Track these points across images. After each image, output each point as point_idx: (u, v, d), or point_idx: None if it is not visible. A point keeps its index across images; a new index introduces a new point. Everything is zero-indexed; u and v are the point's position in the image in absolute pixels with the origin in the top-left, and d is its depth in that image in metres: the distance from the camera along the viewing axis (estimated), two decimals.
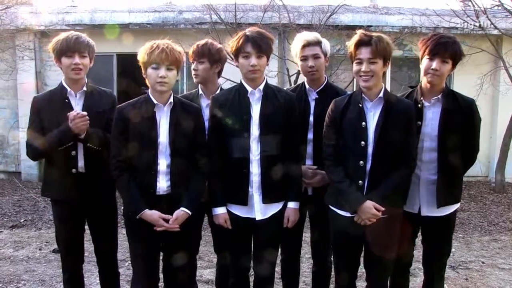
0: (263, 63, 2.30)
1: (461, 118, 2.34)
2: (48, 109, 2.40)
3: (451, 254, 4.16)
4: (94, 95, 2.48)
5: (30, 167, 7.78)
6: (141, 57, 2.21)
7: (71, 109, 2.39)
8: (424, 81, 2.37)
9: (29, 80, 7.63)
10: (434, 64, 2.27)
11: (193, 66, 2.65)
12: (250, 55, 2.26)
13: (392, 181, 2.19)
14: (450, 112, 2.33)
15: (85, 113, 2.31)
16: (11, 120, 7.93)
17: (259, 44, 2.25)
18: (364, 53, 2.15)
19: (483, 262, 4.05)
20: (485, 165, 7.77)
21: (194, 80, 2.68)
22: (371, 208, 2.15)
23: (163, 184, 2.23)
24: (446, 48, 2.26)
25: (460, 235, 4.88)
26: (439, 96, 2.35)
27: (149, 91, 2.27)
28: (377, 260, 2.25)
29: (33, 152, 2.43)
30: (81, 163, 2.41)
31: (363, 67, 2.16)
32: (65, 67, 2.37)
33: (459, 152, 2.39)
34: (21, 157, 7.85)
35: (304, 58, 2.57)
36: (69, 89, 2.42)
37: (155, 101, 2.23)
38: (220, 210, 2.35)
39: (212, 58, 2.63)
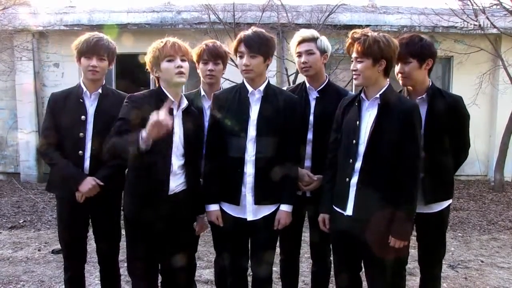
0: (256, 63, 2.27)
1: (448, 115, 2.36)
2: (63, 108, 2.45)
3: (450, 253, 4.20)
4: (109, 97, 2.50)
5: (29, 168, 7.77)
6: (152, 54, 2.19)
7: (85, 109, 2.44)
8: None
9: (28, 81, 7.62)
10: (398, 68, 2.35)
11: (208, 67, 2.61)
12: (243, 55, 2.27)
13: (408, 209, 2.16)
14: (436, 111, 2.34)
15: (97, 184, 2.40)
16: (9, 121, 7.92)
17: (251, 44, 2.25)
18: (353, 52, 2.18)
19: (482, 261, 4.05)
20: (484, 164, 7.78)
21: (207, 80, 2.65)
22: (320, 222, 2.36)
23: (174, 184, 2.23)
24: (404, 49, 2.32)
25: (459, 234, 4.89)
26: (424, 96, 2.37)
27: (163, 86, 2.23)
28: (377, 260, 2.24)
29: (42, 156, 2.55)
30: (87, 163, 2.43)
31: (352, 66, 2.20)
32: (83, 67, 2.44)
33: (448, 150, 2.41)
34: (20, 158, 7.84)
35: (298, 55, 2.55)
36: (85, 89, 2.46)
37: (172, 99, 2.21)
38: (213, 207, 2.37)
39: (225, 60, 2.68)
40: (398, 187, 2.14)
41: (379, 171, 2.16)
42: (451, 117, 2.36)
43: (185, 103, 2.28)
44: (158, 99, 2.20)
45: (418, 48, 2.33)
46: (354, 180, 2.20)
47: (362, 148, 2.18)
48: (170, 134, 2.18)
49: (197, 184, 2.35)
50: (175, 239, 2.28)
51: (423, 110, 2.35)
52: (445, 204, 2.46)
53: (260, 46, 2.26)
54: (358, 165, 2.19)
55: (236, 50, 2.32)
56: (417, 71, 2.35)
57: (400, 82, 2.39)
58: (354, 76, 2.21)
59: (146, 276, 2.29)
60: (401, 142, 2.13)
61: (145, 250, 2.26)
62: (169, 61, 2.17)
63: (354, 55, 2.18)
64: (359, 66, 2.16)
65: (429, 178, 2.35)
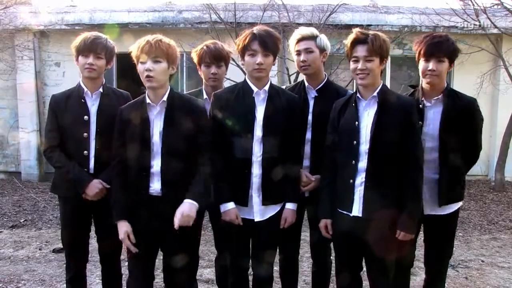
0: (269, 62, 2.25)
1: (463, 117, 2.35)
2: (65, 109, 2.46)
3: None
4: (111, 97, 2.51)
5: (30, 167, 7.78)
6: (133, 55, 2.17)
7: (87, 109, 2.44)
8: (424, 82, 2.39)
9: (29, 80, 7.63)
10: (431, 65, 2.30)
11: (211, 70, 2.59)
12: (256, 53, 2.22)
13: (415, 202, 2.16)
14: (451, 112, 2.34)
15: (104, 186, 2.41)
16: (10, 120, 7.93)
17: (266, 42, 2.20)
18: (360, 51, 2.15)
19: (482, 261, 4.05)
20: (485, 164, 7.77)
21: (211, 83, 2.62)
22: (322, 227, 2.33)
23: (157, 185, 2.19)
24: (440, 47, 2.30)
25: (460, 234, 4.88)
26: (440, 96, 2.36)
27: (146, 90, 2.23)
28: (379, 261, 2.23)
29: (47, 160, 2.54)
30: (92, 163, 2.45)
31: (359, 65, 2.15)
32: (80, 65, 2.44)
33: (460, 151, 2.40)
34: (21, 157, 7.85)
35: (297, 53, 2.52)
36: (85, 89, 2.47)
37: (147, 100, 2.19)
38: (230, 206, 2.29)
39: (228, 61, 2.66)
40: (403, 182, 2.14)
41: (383, 169, 2.16)
42: (465, 119, 2.36)
43: (164, 102, 2.17)
44: (140, 102, 2.22)
45: (452, 49, 2.33)
46: (359, 180, 2.19)
47: (364, 148, 2.17)
48: (147, 138, 2.17)
49: (197, 178, 2.19)
50: (171, 240, 2.24)
51: (438, 110, 2.35)
52: (457, 206, 2.46)
53: (273, 45, 2.24)
54: (361, 165, 2.18)
55: (245, 48, 2.24)
56: (446, 71, 2.35)
57: (428, 80, 2.33)
58: (362, 76, 2.16)
59: (138, 274, 2.29)
60: (403, 138, 2.13)
61: (141, 248, 2.25)
62: (141, 63, 2.13)
63: (362, 54, 2.14)
64: (369, 65, 2.14)
65: (445, 180, 2.35)
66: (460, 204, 2.49)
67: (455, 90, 2.46)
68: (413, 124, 2.17)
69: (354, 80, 2.30)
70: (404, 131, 2.14)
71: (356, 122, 2.20)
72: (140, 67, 2.14)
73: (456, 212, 2.48)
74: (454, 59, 2.36)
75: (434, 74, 2.31)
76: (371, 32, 2.19)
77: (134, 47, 2.16)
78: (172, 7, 7.72)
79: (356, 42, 2.16)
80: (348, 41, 2.20)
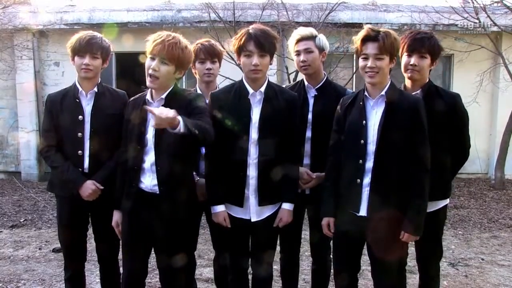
0: (266, 63, 2.22)
1: (446, 114, 2.32)
2: (60, 108, 2.46)
3: (451, 251, 4.20)
4: (106, 96, 2.50)
5: (29, 167, 7.78)
6: (147, 46, 2.13)
7: (81, 109, 2.44)
8: (406, 77, 2.40)
9: (28, 80, 7.63)
10: (412, 60, 2.31)
11: (206, 66, 2.62)
12: (252, 54, 2.18)
13: (419, 203, 2.12)
14: (431, 109, 2.28)
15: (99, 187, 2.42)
16: (10, 120, 7.93)
17: (262, 43, 2.17)
18: (371, 48, 2.10)
19: (482, 259, 4.05)
20: (485, 162, 7.78)
21: (206, 79, 2.64)
22: (324, 226, 2.31)
23: (148, 182, 2.19)
24: (422, 43, 2.30)
25: (460, 232, 4.89)
26: (418, 92, 2.35)
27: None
28: (384, 262, 2.20)
29: (44, 159, 2.58)
30: (86, 163, 2.45)
31: (369, 63, 2.11)
32: (77, 66, 2.43)
33: (445, 149, 2.35)
34: (21, 157, 7.85)
35: (297, 53, 2.53)
36: (80, 89, 2.46)
37: (147, 96, 2.20)
38: (220, 208, 2.31)
39: (221, 58, 2.68)
40: (410, 182, 2.11)
41: (391, 168, 2.12)
42: (449, 116, 2.32)
43: (162, 99, 2.16)
44: (142, 97, 2.25)
45: (435, 46, 2.33)
46: (367, 180, 2.15)
47: (371, 147, 2.14)
48: (142, 134, 2.17)
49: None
50: (164, 238, 2.24)
51: None
52: (440, 204, 2.43)
53: (269, 45, 2.21)
54: (369, 165, 2.15)
55: (240, 48, 2.21)
56: (428, 68, 2.35)
57: (409, 74, 2.35)
58: (371, 74, 2.12)
59: (131, 268, 2.30)
60: (411, 137, 2.10)
61: (136, 246, 2.27)
62: (150, 58, 2.11)
63: (372, 51, 2.09)
64: (378, 63, 2.10)
65: None
66: (445, 202, 2.46)
67: (437, 86, 2.42)
68: (421, 124, 2.12)
69: (354, 79, 2.29)
70: (412, 131, 2.11)
71: (364, 121, 2.16)
72: (147, 62, 2.13)
73: (441, 210, 2.44)
74: (437, 57, 2.36)
75: (415, 69, 2.32)
76: (382, 29, 2.15)
77: (151, 37, 2.12)
78: (171, 6, 7.72)
79: (366, 39, 2.11)
80: (358, 37, 2.15)
